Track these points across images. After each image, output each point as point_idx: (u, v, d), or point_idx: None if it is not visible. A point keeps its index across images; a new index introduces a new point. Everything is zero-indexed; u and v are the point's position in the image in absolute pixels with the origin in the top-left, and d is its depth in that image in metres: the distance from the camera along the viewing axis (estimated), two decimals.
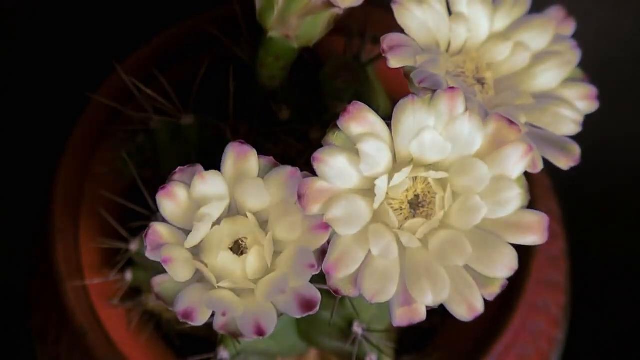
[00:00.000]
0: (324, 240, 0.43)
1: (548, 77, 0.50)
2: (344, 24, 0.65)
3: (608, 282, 0.94)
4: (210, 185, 0.44)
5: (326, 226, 0.43)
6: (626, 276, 0.94)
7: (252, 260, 0.44)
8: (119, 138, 0.66)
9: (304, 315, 0.43)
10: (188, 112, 0.61)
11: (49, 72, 0.95)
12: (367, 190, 0.43)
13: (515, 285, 0.65)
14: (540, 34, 0.50)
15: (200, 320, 0.43)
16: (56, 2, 0.95)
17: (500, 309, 0.65)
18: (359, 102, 0.42)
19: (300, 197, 0.42)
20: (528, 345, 0.66)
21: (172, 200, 0.44)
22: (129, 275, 0.64)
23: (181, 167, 0.45)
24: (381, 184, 0.42)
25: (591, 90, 0.51)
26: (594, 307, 0.91)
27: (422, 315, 0.43)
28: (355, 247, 0.42)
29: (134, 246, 0.61)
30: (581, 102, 0.50)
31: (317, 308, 0.43)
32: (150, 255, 0.44)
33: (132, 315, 0.67)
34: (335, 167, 0.42)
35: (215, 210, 0.44)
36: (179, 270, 0.43)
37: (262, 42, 0.56)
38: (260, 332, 0.42)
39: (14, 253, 0.91)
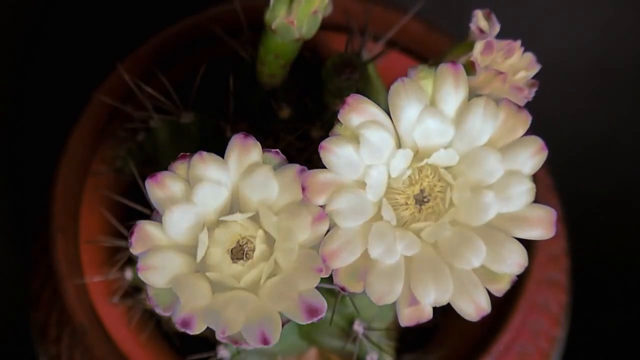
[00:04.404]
0: (323, 233, 0.42)
1: None
2: (344, 22, 0.65)
3: (608, 281, 0.94)
4: (210, 169, 0.43)
5: (324, 217, 0.42)
6: (626, 275, 0.94)
7: (254, 263, 0.43)
8: (119, 136, 0.66)
9: (308, 322, 0.42)
10: (188, 110, 0.61)
11: (49, 71, 0.95)
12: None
13: (515, 284, 0.65)
14: None
15: (198, 329, 0.42)
16: (56, 2, 0.95)
17: (501, 307, 0.65)
18: (357, 94, 0.42)
19: (303, 188, 0.42)
20: (528, 344, 0.66)
21: (161, 189, 0.43)
22: (129, 274, 0.63)
23: (184, 154, 0.44)
24: (376, 175, 0.42)
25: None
26: (594, 306, 0.91)
27: (428, 314, 0.43)
28: (355, 240, 0.42)
29: None
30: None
31: (323, 315, 0.42)
32: (137, 253, 0.43)
33: (133, 314, 0.67)
34: (342, 155, 0.42)
35: (212, 195, 0.43)
36: (158, 278, 0.42)
37: (263, 40, 0.56)
38: (265, 341, 0.41)
39: (14, 252, 0.91)
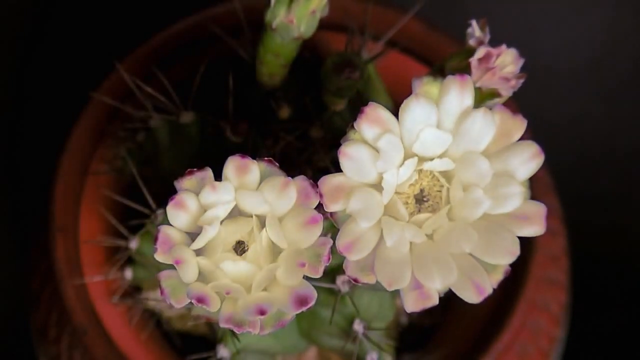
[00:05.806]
0: (317, 235, 0.44)
1: None
2: (344, 22, 0.65)
3: (608, 281, 0.94)
4: (219, 194, 0.45)
5: (318, 220, 0.44)
6: (626, 275, 0.94)
7: (251, 258, 0.45)
8: (119, 136, 0.66)
9: (298, 311, 0.44)
10: (188, 110, 0.61)
11: (49, 71, 0.95)
12: (378, 185, 0.44)
13: (515, 283, 0.66)
14: None
15: (213, 305, 0.44)
16: (56, 2, 0.95)
17: (501, 307, 0.65)
18: (374, 103, 0.44)
19: (321, 195, 0.44)
20: (528, 343, 0.66)
21: (183, 210, 0.45)
22: (128, 273, 0.63)
23: (190, 170, 0.46)
24: (390, 179, 0.43)
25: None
26: (594, 306, 0.91)
27: (434, 299, 0.43)
28: (369, 234, 0.44)
29: (133, 244, 0.61)
30: None
31: (311, 304, 0.44)
32: (160, 257, 0.45)
33: (132, 314, 0.67)
34: (357, 159, 0.44)
35: (222, 211, 0.45)
36: (189, 271, 0.44)
37: (263, 40, 0.56)
38: (262, 312, 0.43)
39: (14, 252, 0.91)
